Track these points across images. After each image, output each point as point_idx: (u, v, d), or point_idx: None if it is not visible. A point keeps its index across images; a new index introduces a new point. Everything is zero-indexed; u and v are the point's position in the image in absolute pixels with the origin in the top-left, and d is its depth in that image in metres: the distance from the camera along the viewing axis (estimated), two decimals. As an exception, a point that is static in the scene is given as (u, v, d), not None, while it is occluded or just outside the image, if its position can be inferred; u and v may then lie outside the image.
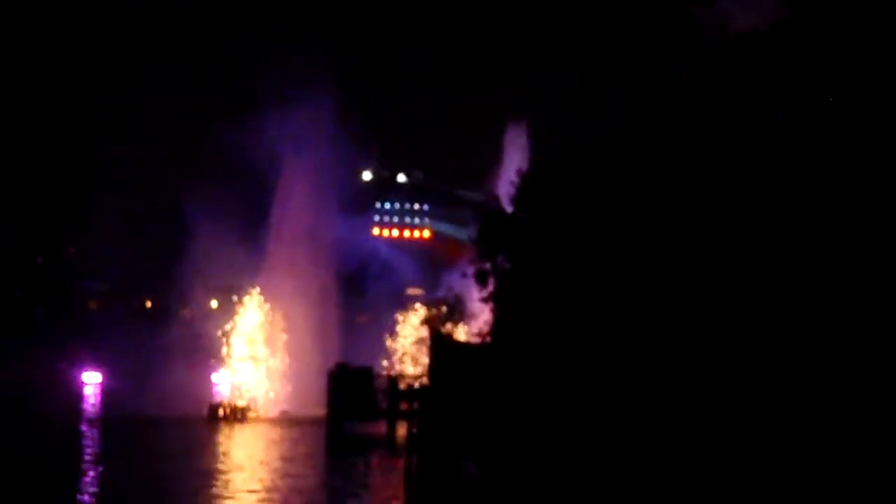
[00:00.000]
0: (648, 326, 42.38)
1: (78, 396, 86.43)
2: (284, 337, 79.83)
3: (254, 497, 43.41)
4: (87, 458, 54.37)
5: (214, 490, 45.05)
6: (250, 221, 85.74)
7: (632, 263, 43.95)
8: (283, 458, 56.73)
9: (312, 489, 47.32)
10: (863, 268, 37.21)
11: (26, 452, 56.15)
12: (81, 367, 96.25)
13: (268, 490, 45.27)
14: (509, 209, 52.64)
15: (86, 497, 42.80)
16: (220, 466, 53.30)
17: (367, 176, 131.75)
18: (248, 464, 54.82)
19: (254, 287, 79.42)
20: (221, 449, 61.90)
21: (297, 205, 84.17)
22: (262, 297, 79.06)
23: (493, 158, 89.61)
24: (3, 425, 68.20)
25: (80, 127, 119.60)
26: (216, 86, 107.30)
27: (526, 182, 50.38)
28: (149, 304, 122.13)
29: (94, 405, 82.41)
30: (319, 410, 68.87)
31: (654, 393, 40.79)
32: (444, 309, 75.91)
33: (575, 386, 43.42)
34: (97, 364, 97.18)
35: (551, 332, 45.42)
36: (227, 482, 47.38)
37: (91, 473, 49.43)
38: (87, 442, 61.20)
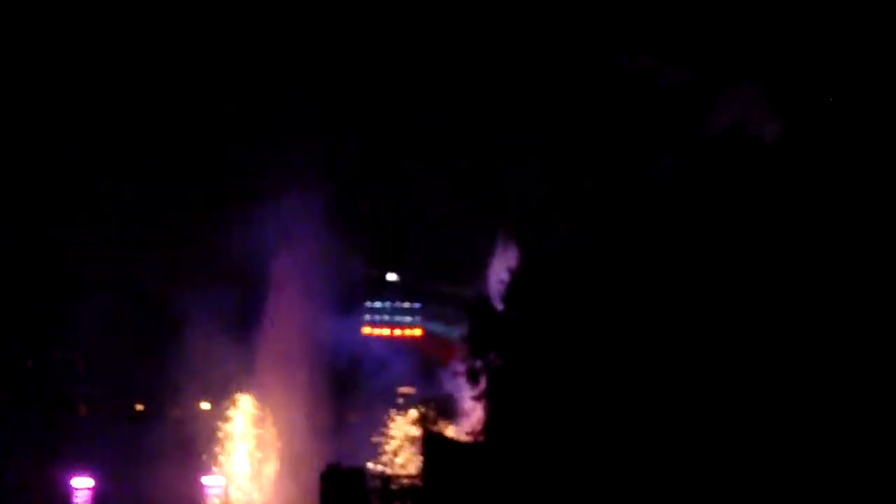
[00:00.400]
0: (641, 424, 42.28)
1: (68, 502, 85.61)
2: (277, 440, 79.38)
3: None
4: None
5: None
6: (241, 320, 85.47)
7: (619, 357, 43.97)
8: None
9: None
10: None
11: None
12: (72, 472, 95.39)
13: None
14: (500, 307, 52.72)
15: None
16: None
17: (356, 274, 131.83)
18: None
19: (245, 389, 79.06)
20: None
21: (287, 305, 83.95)
22: (253, 399, 78.67)
23: (484, 255, 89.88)
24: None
25: (64, 226, 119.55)
26: (206, 180, 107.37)
27: (516, 279, 50.48)
28: (140, 406, 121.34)
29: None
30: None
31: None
32: (434, 408, 75.57)
33: (570, 485, 43.19)
34: (88, 469, 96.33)
35: (544, 430, 45.24)
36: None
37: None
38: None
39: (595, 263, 47.71)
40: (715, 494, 40.06)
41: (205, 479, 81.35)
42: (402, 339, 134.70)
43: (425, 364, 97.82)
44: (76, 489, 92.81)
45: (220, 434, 78.83)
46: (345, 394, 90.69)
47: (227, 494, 76.48)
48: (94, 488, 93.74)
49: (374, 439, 79.85)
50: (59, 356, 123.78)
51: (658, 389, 41.95)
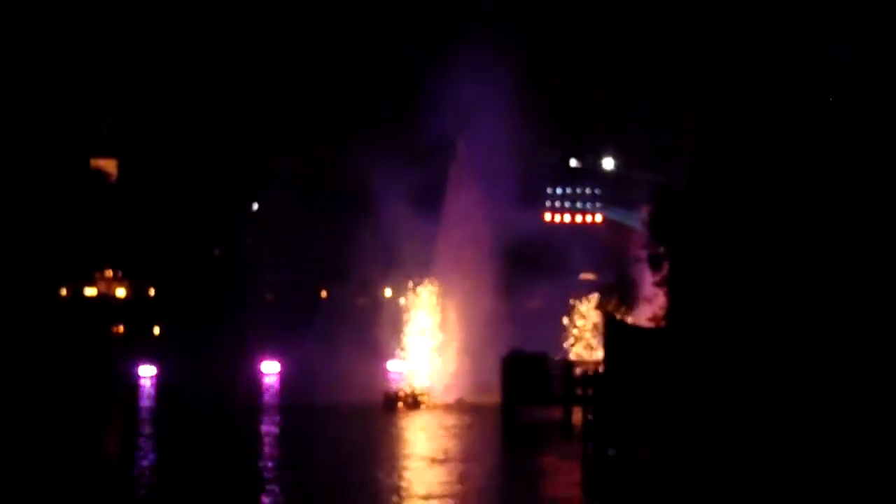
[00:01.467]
0: (820, 314, 41.42)
1: (257, 387, 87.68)
2: (458, 326, 79.91)
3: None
4: (267, 450, 55.32)
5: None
6: (426, 204, 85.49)
7: (805, 245, 42.98)
8: (463, 446, 56.97)
9: (492, 472, 47.42)
10: None
11: (212, 445, 57.25)
12: (259, 358, 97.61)
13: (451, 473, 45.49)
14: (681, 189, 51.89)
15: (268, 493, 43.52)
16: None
17: (540, 158, 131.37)
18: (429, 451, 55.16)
19: (428, 275, 79.58)
20: (404, 435, 62.34)
21: (470, 189, 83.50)
22: (435, 286, 79.18)
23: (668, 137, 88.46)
24: (190, 416, 69.58)
25: (250, 118, 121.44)
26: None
27: (699, 161, 49.54)
28: (324, 293, 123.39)
29: (272, 395, 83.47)
30: (494, 397, 68.73)
31: (828, 386, 39.82)
32: (616, 295, 75.19)
33: (751, 371, 42.57)
34: (275, 354, 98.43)
35: (727, 316, 44.62)
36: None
37: (270, 465, 50.11)
38: (267, 433, 62.13)
39: (781, 145, 46.56)
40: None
41: (388, 364, 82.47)
42: (584, 225, 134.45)
43: (607, 250, 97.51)
44: (264, 374, 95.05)
45: (402, 320, 79.51)
46: (526, 280, 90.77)
47: (409, 378, 77.31)
48: (280, 373, 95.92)
49: (556, 325, 79.72)
50: (248, 244, 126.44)
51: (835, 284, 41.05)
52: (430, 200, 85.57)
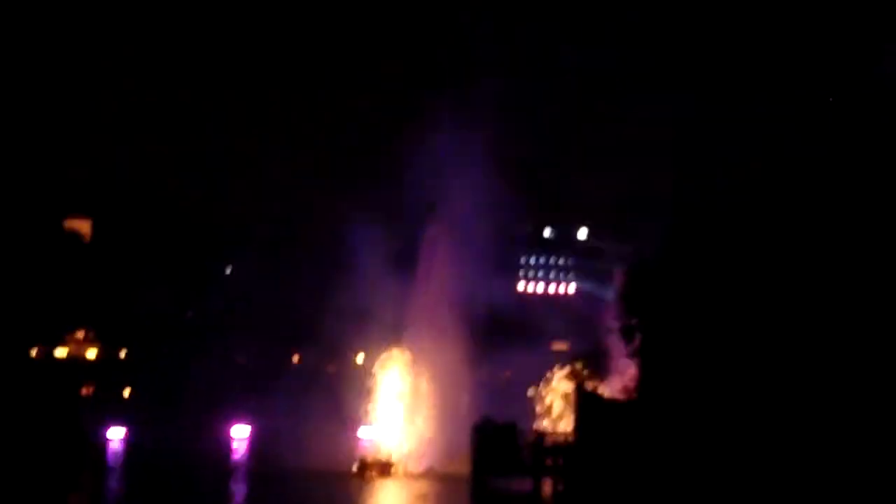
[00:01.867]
0: (791, 387, 41.63)
1: (227, 450, 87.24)
2: (430, 394, 79.77)
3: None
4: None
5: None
6: (397, 269, 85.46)
7: (786, 317, 43.21)
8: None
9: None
10: None
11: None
12: (230, 422, 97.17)
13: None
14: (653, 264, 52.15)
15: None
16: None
17: (512, 230, 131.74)
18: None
19: (400, 342, 79.55)
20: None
21: (443, 258, 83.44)
22: (407, 353, 79.15)
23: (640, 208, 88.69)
24: (159, 478, 69.21)
25: (221, 181, 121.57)
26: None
27: (673, 236, 49.88)
28: (296, 358, 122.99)
29: (242, 459, 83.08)
30: (464, 467, 68.54)
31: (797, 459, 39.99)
32: (587, 365, 75.25)
33: (721, 442, 42.67)
34: (245, 418, 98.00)
35: (698, 387, 44.76)
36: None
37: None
38: (235, 497, 61.85)
39: (753, 218, 46.90)
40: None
41: (359, 431, 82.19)
42: (557, 295, 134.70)
43: (579, 320, 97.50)
44: (234, 438, 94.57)
45: (373, 387, 79.36)
46: (499, 348, 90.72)
47: (380, 446, 77.08)
48: (250, 436, 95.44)
49: (528, 395, 79.67)
50: (220, 307, 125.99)
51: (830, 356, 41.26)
52: (403, 264, 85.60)
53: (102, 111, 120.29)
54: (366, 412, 79.15)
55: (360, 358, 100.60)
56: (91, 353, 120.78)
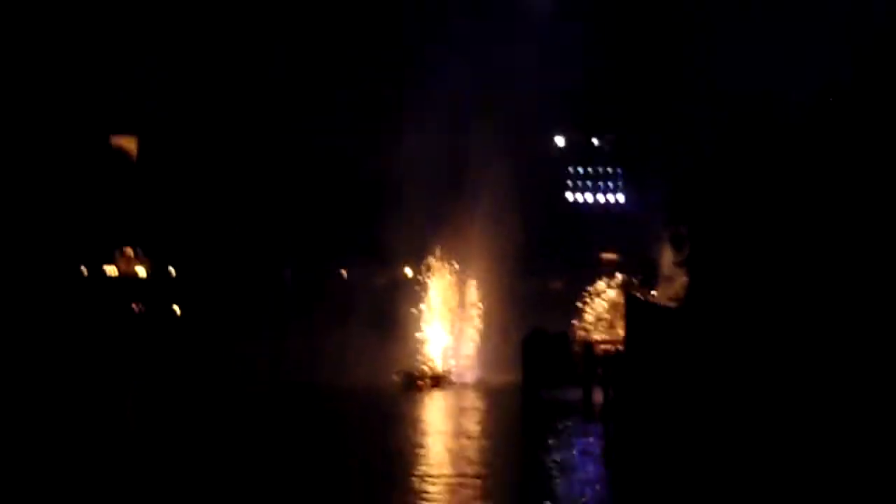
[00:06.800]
0: (837, 299, 41.15)
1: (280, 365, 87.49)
2: (479, 305, 79.65)
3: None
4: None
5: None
6: (448, 181, 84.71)
7: (825, 230, 42.68)
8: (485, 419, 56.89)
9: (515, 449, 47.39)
10: None
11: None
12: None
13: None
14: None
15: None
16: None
17: (560, 141, 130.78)
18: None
19: (447, 255, 79.36)
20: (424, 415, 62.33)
21: (492, 167, 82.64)
22: (455, 265, 78.99)
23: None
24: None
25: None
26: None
27: (725, 142, 49.27)
28: (344, 273, 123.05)
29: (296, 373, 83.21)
30: (515, 377, 68.55)
31: (843, 371, 39.57)
32: (637, 274, 74.77)
33: (768, 355, 42.32)
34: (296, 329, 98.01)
35: (747, 296, 44.35)
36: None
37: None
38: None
39: (805, 131, 46.26)
40: None
41: (409, 343, 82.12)
42: (605, 204, 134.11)
43: (629, 229, 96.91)
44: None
45: (423, 298, 79.31)
46: (548, 260, 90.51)
47: (431, 357, 77.13)
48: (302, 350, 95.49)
49: (578, 305, 79.39)
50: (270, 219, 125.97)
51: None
52: (452, 172, 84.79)
53: (145, 32, 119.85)
54: (416, 324, 79.12)
55: (408, 271, 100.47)
56: (141, 271, 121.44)
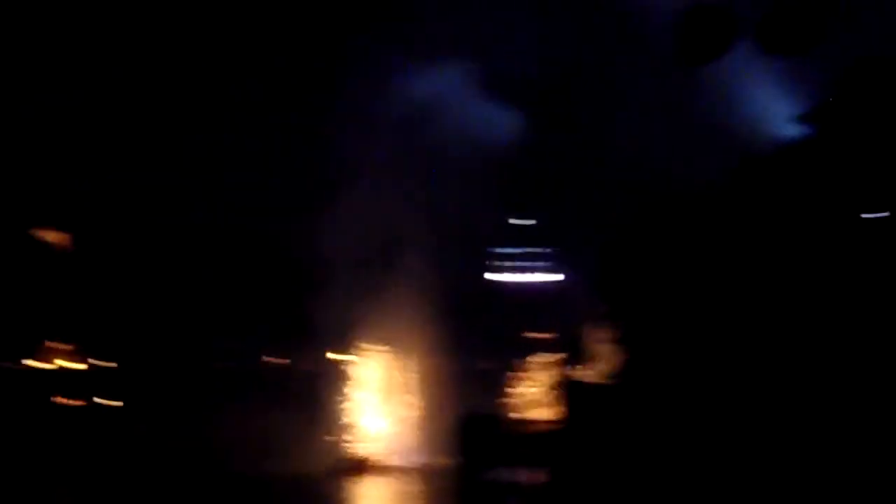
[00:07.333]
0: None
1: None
2: (410, 385, 79.42)
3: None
4: None
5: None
6: (371, 266, 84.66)
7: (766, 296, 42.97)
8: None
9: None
10: None
11: None
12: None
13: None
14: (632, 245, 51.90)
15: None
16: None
17: (488, 221, 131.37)
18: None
19: (374, 338, 79.17)
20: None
21: (419, 250, 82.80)
22: (382, 348, 78.81)
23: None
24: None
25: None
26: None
27: (651, 217, 49.59)
28: (271, 358, 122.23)
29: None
30: (446, 460, 68.14)
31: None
32: (568, 353, 74.84)
33: (711, 428, 42.40)
34: (221, 420, 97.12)
35: (683, 372, 44.55)
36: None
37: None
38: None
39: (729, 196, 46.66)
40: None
41: (338, 429, 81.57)
42: (532, 283, 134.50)
43: (554, 308, 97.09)
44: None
45: (349, 382, 79.01)
46: (475, 340, 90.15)
47: (358, 443, 76.65)
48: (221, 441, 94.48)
49: (507, 385, 79.27)
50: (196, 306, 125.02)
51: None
52: (378, 261, 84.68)
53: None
54: (342, 409, 78.68)
55: (332, 354, 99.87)
56: (70, 364, 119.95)
